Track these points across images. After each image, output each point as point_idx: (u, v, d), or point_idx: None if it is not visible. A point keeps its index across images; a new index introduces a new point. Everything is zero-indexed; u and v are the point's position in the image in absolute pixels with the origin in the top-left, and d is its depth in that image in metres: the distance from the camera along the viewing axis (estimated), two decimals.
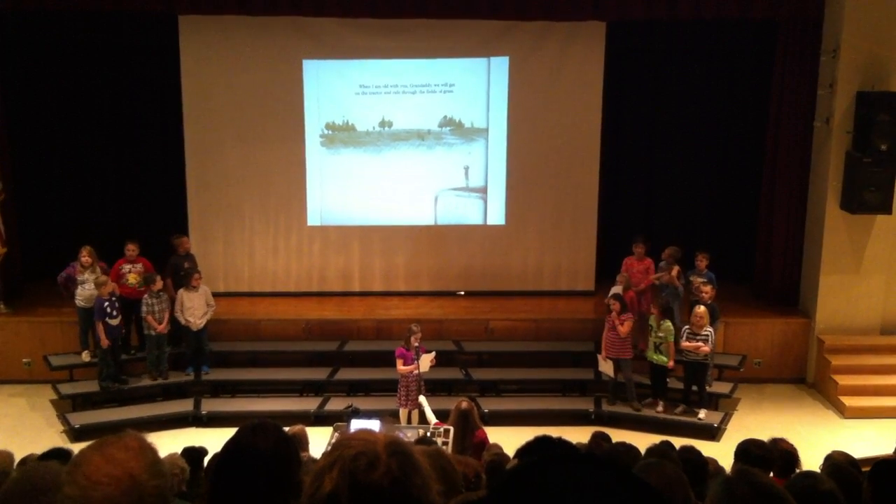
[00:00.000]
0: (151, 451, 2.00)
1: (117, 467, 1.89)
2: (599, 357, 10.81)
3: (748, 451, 5.66)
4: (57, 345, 11.49)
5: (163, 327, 10.80)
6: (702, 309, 10.34)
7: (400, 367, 9.82)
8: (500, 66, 12.57)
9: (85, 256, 10.87)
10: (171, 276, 11.18)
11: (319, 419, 10.34)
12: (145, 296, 10.73)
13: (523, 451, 4.11)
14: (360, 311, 12.41)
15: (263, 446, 2.31)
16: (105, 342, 10.48)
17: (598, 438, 7.39)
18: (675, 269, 11.13)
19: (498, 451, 6.67)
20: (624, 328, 10.39)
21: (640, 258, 11.44)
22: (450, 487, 3.25)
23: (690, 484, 3.19)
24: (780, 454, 5.89)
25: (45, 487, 2.45)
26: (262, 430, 2.37)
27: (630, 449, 5.34)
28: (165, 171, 13.02)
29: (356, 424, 7.79)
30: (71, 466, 1.93)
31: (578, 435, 8.61)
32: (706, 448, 6.76)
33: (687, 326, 10.40)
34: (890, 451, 7.78)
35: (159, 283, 10.80)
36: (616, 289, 11.04)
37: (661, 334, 10.37)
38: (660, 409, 10.59)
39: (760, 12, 11.56)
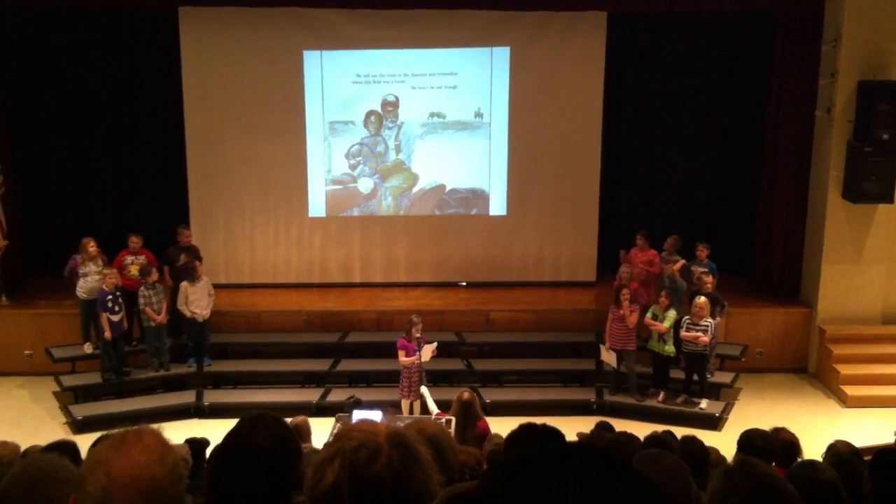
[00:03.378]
0: (171, 453, 1.96)
1: (140, 470, 1.86)
2: (602, 348, 10.80)
3: (750, 441, 5.67)
4: (58, 337, 11.49)
5: (162, 317, 10.82)
6: (702, 300, 10.31)
7: (402, 358, 9.82)
8: (501, 57, 12.53)
9: (93, 246, 10.89)
10: (168, 265, 11.20)
11: (321, 410, 10.34)
12: (141, 288, 10.74)
13: (512, 442, 4.09)
14: (361, 302, 12.41)
15: (261, 442, 2.29)
16: (108, 334, 10.51)
17: (601, 428, 7.41)
18: (680, 263, 11.11)
19: (500, 442, 6.66)
20: (633, 318, 10.38)
21: (643, 249, 11.43)
22: (445, 469, 3.22)
23: (692, 474, 3.19)
24: (782, 444, 5.90)
25: (46, 479, 2.45)
26: (262, 424, 2.34)
27: (630, 439, 5.33)
28: (166, 164, 13.00)
29: (358, 415, 7.80)
30: (92, 463, 1.89)
31: (580, 425, 8.63)
32: (708, 438, 6.75)
33: (687, 317, 10.39)
34: (891, 440, 7.78)
35: (155, 276, 10.81)
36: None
37: (665, 323, 10.37)
38: (660, 398, 10.60)
39: (760, 7, 11.49)
